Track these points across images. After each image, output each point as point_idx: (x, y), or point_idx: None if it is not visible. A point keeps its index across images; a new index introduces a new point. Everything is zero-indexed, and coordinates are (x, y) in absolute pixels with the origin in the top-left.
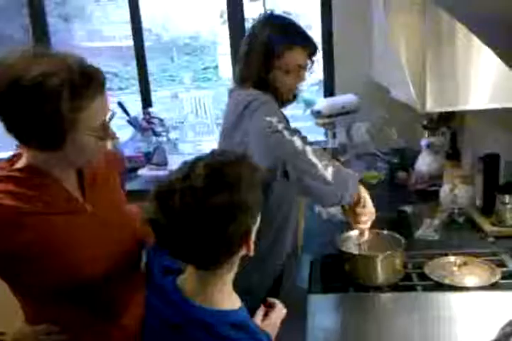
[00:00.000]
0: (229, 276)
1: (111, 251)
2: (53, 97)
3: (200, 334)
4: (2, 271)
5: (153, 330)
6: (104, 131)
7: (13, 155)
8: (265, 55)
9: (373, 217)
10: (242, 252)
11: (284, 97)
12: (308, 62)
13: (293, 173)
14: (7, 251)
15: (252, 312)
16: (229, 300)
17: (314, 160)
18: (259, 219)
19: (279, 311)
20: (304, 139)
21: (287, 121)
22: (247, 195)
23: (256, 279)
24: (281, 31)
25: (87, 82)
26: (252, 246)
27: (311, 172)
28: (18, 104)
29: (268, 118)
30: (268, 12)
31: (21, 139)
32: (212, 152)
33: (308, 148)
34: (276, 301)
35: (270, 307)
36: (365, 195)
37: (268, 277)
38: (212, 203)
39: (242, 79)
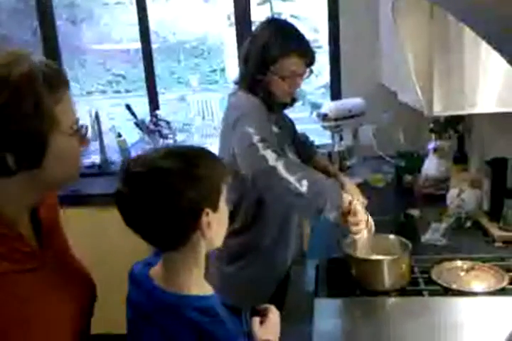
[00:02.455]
0: (193, 262)
1: (73, 304)
2: (28, 85)
3: (167, 318)
4: None
5: (129, 321)
6: (80, 133)
7: None
8: (262, 59)
9: (368, 224)
10: (201, 239)
11: (279, 100)
12: (306, 70)
13: (265, 191)
14: None
15: (256, 312)
16: (196, 287)
17: (285, 175)
18: (222, 208)
19: (274, 315)
20: (283, 150)
21: (281, 127)
22: (201, 170)
23: (263, 272)
24: (280, 36)
25: (55, 71)
26: (210, 234)
27: (283, 187)
28: None
29: (247, 129)
30: (271, 16)
31: None
32: None
33: (280, 163)
34: (268, 306)
35: (264, 314)
36: (355, 203)
37: (275, 271)
38: (162, 165)
39: (240, 79)
